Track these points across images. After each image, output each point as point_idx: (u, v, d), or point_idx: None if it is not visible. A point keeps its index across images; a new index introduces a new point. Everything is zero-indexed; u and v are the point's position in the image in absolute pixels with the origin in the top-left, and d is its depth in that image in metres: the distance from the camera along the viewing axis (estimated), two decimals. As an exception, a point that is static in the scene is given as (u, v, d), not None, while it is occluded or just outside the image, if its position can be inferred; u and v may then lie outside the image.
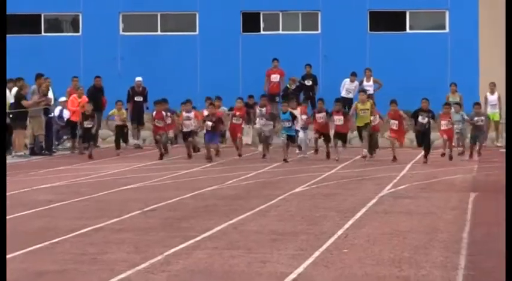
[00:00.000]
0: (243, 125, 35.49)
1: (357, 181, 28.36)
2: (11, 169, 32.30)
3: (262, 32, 58.06)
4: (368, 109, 29.92)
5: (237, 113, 33.64)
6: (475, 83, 50.62)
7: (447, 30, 56.53)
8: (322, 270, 13.81)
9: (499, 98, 46.59)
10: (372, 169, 32.87)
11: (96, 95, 47.95)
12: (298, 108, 36.88)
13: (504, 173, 29.42)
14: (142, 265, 13.71)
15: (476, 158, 34.11)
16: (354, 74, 49.98)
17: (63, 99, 45.70)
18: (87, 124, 37.53)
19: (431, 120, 33.17)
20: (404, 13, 56.92)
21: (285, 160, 33.28)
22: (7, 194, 23.48)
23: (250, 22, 58.95)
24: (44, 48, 54.87)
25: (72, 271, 13.68)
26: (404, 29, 57.11)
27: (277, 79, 52.03)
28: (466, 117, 34.79)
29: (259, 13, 58.44)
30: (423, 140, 32.66)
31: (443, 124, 32.29)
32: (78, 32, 58.88)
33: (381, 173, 31.45)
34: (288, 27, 58.27)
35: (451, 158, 33.33)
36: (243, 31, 58.80)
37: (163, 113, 34.46)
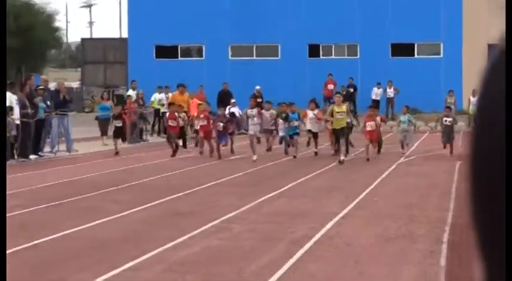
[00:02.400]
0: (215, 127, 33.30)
1: (376, 159, 31.53)
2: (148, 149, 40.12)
3: (321, 57, 69.05)
4: (344, 112, 29.32)
5: (201, 116, 33.22)
6: (460, 89, 59.99)
7: (441, 56, 67.60)
8: (360, 210, 18.63)
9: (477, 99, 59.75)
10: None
11: (224, 97, 54.31)
12: (317, 110, 36.65)
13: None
14: (243, 208, 18.47)
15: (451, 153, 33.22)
16: (379, 84, 61.79)
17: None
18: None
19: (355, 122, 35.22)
20: (413, 44, 68.22)
21: (294, 156, 33.39)
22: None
23: (314, 51, 69.42)
24: (180, 68, 64.11)
25: (201, 210, 19.06)
26: (413, 55, 68.40)
27: (332, 87, 61.33)
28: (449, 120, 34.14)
29: (319, 45, 69.27)
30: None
31: (368, 125, 32.46)
32: (202, 57, 69.53)
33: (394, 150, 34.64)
34: (338, 54, 69.45)
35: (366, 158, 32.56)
36: (309, 57, 69.31)
37: (176, 114, 35.39)
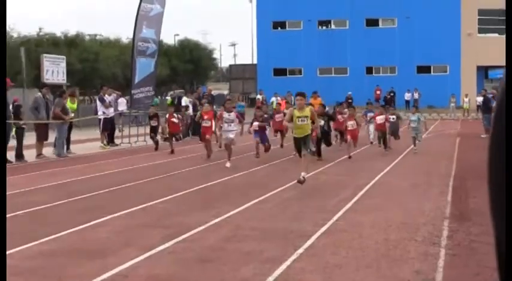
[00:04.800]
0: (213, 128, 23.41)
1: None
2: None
3: (373, 74, 69.50)
4: (307, 116, 16.22)
5: (205, 117, 22.74)
6: (458, 94, 59.86)
7: (448, 73, 67.52)
8: (378, 186, 15.34)
9: (469, 100, 55.86)
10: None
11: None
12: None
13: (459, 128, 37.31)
14: (266, 194, 13.30)
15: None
16: (408, 90, 61.36)
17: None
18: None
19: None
20: (430, 66, 68.33)
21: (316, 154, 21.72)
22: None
23: (369, 70, 69.91)
24: (288, 82, 64.38)
25: (229, 194, 14.11)
26: (430, 73, 68.33)
27: (379, 92, 62.01)
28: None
29: (372, 67, 69.37)
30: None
31: (350, 124, 22.48)
32: (301, 75, 69.35)
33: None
34: (384, 72, 69.95)
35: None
36: (366, 74, 69.29)
37: (174, 114, 25.38)
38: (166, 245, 9.03)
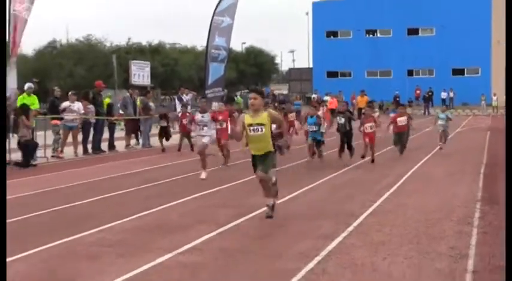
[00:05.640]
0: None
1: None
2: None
3: (414, 76, 68.42)
4: (264, 124, 9.05)
5: (220, 118, 17.34)
6: (488, 93, 58.33)
7: (479, 74, 66.73)
8: (416, 174, 14.81)
9: (497, 98, 54.53)
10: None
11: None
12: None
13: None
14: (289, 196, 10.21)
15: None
16: (444, 89, 58.64)
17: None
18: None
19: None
20: (464, 69, 67.54)
21: (315, 156, 17.97)
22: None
23: (410, 73, 68.95)
24: (339, 83, 63.96)
25: (236, 188, 12.36)
26: (464, 74, 67.43)
27: (418, 92, 61.10)
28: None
29: (413, 70, 68.56)
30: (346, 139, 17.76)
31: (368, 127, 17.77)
32: (351, 77, 69.00)
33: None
34: (423, 74, 68.88)
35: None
36: (407, 76, 68.09)
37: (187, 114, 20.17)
38: (234, 223, 9.05)
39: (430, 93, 58.71)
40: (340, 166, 15.80)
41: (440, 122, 21.00)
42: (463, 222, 9.04)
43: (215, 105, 22.00)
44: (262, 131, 8.90)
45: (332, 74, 70.00)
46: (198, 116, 15.14)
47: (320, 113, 19.91)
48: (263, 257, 7.06)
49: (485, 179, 13.71)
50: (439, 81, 63.34)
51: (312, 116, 17.55)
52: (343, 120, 17.44)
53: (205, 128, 14.72)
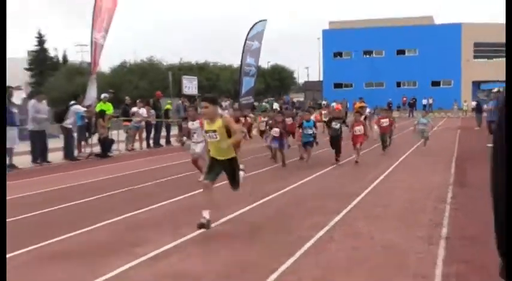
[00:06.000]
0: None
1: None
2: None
3: (401, 87, 67.26)
4: (217, 131, 6.82)
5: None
6: (460, 100, 55.86)
7: (452, 86, 63.75)
8: (401, 165, 14.15)
9: (467, 104, 52.33)
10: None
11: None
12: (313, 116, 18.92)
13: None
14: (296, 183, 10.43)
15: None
16: (425, 97, 57.35)
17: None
18: None
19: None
20: (440, 81, 64.46)
21: (301, 158, 15.31)
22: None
23: (435, 83, 66.79)
24: (342, 93, 62.36)
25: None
26: (440, 85, 64.26)
27: (405, 99, 59.29)
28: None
29: (403, 82, 66.81)
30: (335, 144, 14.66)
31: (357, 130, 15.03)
32: (352, 87, 66.50)
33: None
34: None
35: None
36: (396, 87, 66.15)
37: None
38: (254, 204, 8.77)
39: (413, 100, 57.66)
40: (332, 163, 14.38)
41: (420, 126, 18.51)
42: (439, 200, 8.88)
43: (226, 112, 20.51)
44: (216, 138, 6.96)
45: (338, 85, 69.02)
46: (189, 124, 12.00)
47: (312, 117, 17.30)
48: (282, 228, 7.01)
49: (456, 168, 13.34)
50: (421, 91, 62.87)
51: (308, 120, 14.73)
52: (338, 125, 14.71)
53: (194, 135, 11.63)
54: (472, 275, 4.86)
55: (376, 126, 18.22)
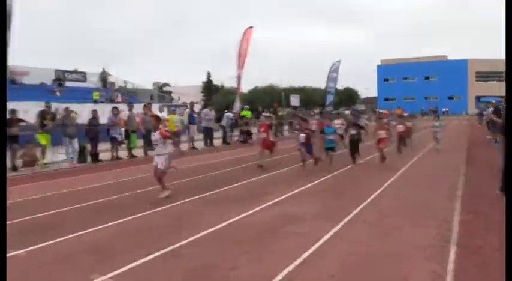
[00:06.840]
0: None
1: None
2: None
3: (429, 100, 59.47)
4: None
5: (262, 129, 9.03)
6: (466, 109, 51.33)
7: (461, 99, 56.08)
8: (425, 157, 10.11)
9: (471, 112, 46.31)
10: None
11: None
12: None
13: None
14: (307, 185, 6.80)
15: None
16: (443, 107, 51.75)
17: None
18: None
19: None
20: (453, 96, 56.93)
21: (314, 162, 8.65)
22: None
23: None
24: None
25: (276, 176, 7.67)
26: (453, 99, 57.01)
27: (431, 108, 51.56)
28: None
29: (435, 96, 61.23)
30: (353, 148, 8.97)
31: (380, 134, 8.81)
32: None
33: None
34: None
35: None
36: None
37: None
38: (262, 206, 5.54)
39: (436, 109, 50.89)
40: (351, 164, 9.40)
41: (435, 129, 12.24)
42: (456, 171, 7.54)
43: (262, 118, 12.18)
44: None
45: (386, 99, 62.49)
46: (152, 136, 6.31)
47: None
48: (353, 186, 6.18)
49: (468, 155, 10.06)
50: (441, 103, 55.68)
51: (329, 127, 9.21)
52: (354, 131, 9.47)
53: (156, 147, 6.19)
54: (478, 222, 4.33)
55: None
